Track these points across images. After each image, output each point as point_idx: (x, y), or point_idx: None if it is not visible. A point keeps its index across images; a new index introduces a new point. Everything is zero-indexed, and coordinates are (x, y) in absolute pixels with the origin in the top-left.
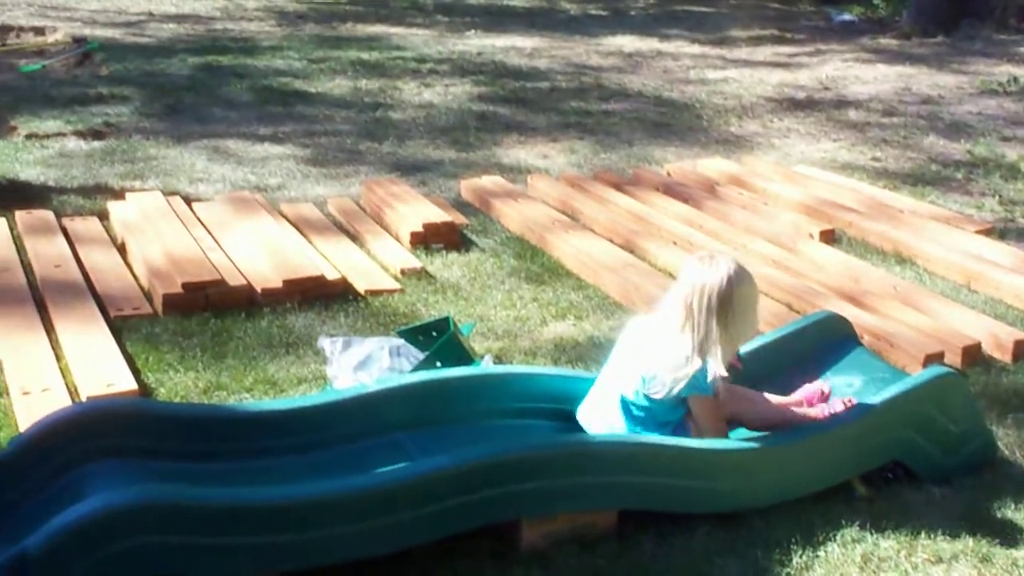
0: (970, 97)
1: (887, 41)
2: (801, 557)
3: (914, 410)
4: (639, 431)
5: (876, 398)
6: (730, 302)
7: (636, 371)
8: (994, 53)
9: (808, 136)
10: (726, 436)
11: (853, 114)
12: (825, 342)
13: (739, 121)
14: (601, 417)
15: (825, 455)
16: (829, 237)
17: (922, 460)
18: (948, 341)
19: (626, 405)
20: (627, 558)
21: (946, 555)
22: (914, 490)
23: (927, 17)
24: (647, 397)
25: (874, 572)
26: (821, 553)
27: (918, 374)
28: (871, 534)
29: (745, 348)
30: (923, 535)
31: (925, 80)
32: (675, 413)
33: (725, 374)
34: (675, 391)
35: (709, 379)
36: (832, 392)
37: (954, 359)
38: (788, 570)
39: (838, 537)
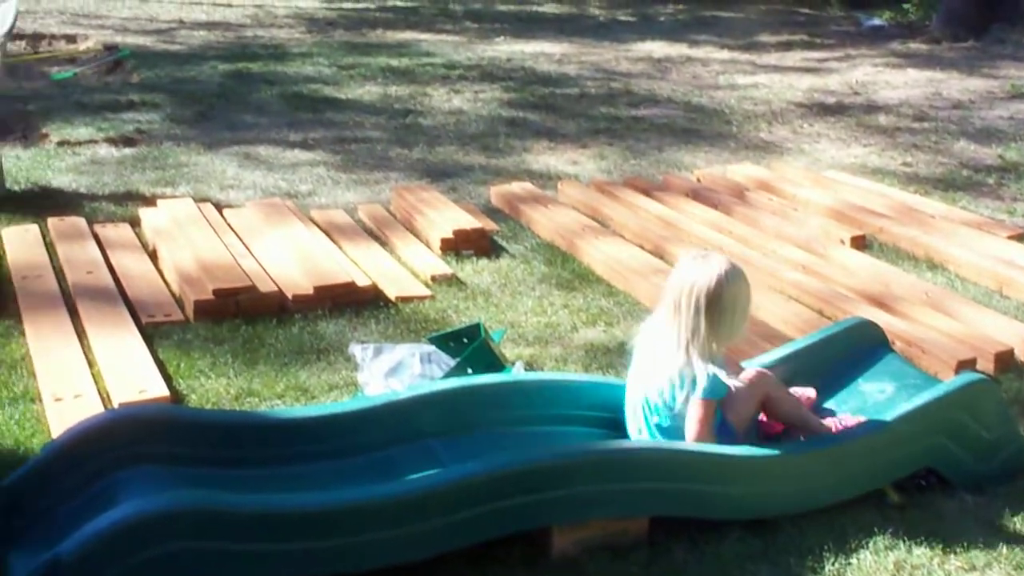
0: (1001, 101)
1: (917, 46)
2: (833, 564)
3: (947, 417)
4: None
5: (908, 405)
6: (719, 301)
7: (651, 381)
8: None
9: (838, 141)
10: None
11: (883, 119)
12: (856, 348)
13: (769, 126)
14: (636, 427)
15: (857, 462)
16: (860, 243)
17: (955, 467)
18: (980, 347)
19: (652, 414)
20: (658, 565)
21: (979, 563)
22: (947, 497)
23: (957, 21)
24: (669, 408)
25: None
26: (854, 560)
27: (950, 380)
28: (904, 541)
29: (776, 355)
30: (956, 543)
31: (955, 85)
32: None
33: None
34: (686, 397)
35: (722, 380)
36: (865, 399)
37: (986, 365)
38: None
39: (871, 544)
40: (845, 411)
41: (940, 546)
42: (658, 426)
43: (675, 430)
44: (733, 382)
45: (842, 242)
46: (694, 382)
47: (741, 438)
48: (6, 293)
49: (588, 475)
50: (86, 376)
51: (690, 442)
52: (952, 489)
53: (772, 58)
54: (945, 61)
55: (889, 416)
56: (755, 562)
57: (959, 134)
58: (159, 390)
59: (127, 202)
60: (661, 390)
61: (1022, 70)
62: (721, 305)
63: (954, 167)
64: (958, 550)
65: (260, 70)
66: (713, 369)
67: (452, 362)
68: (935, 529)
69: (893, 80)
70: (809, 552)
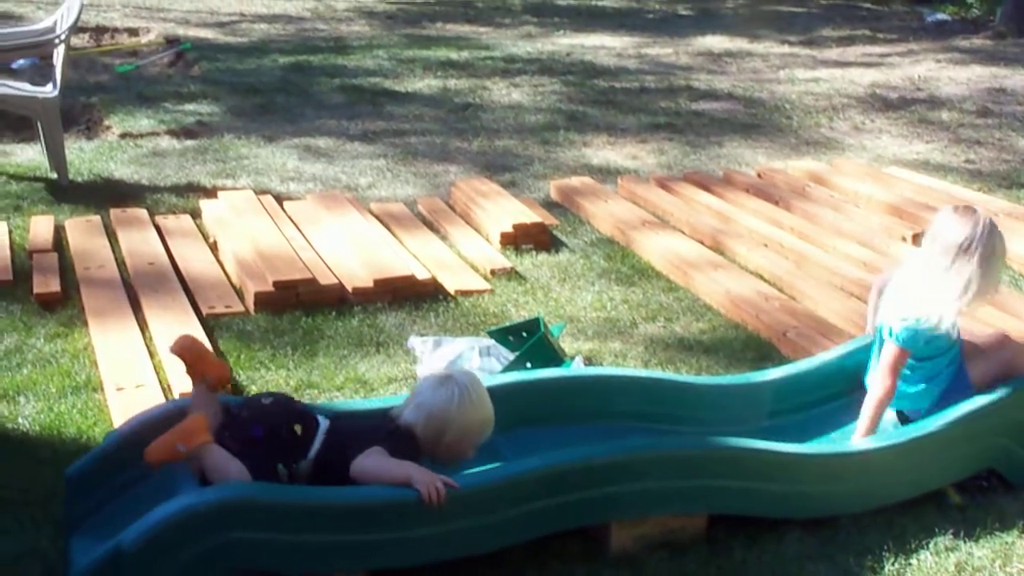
0: None
1: (980, 41)
2: (893, 564)
3: (1009, 418)
4: (907, 389)
5: (970, 405)
6: (993, 254)
7: (896, 318)
8: None
9: (900, 137)
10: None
11: (946, 115)
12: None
13: (829, 122)
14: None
15: (918, 461)
16: (922, 240)
17: (1017, 468)
18: None
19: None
20: (717, 563)
21: None
22: (1009, 498)
23: (1021, 16)
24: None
25: None
26: (914, 561)
27: (1013, 381)
28: (965, 542)
29: (837, 352)
30: (1018, 544)
31: (1020, 80)
32: (941, 364)
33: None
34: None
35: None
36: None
37: None
38: None
39: (931, 545)
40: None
41: (1002, 547)
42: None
43: (926, 379)
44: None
45: (904, 239)
46: (931, 331)
47: (973, 391)
48: (69, 283)
49: (648, 471)
50: (148, 366)
51: (878, 381)
52: (1014, 490)
53: (833, 53)
54: (1009, 56)
55: (951, 416)
56: (814, 561)
57: (1023, 131)
58: None
59: (188, 193)
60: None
61: None
62: (994, 259)
63: (1018, 164)
64: (1020, 551)
65: (321, 63)
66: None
67: (511, 356)
68: (997, 530)
69: (956, 76)
70: (868, 552)
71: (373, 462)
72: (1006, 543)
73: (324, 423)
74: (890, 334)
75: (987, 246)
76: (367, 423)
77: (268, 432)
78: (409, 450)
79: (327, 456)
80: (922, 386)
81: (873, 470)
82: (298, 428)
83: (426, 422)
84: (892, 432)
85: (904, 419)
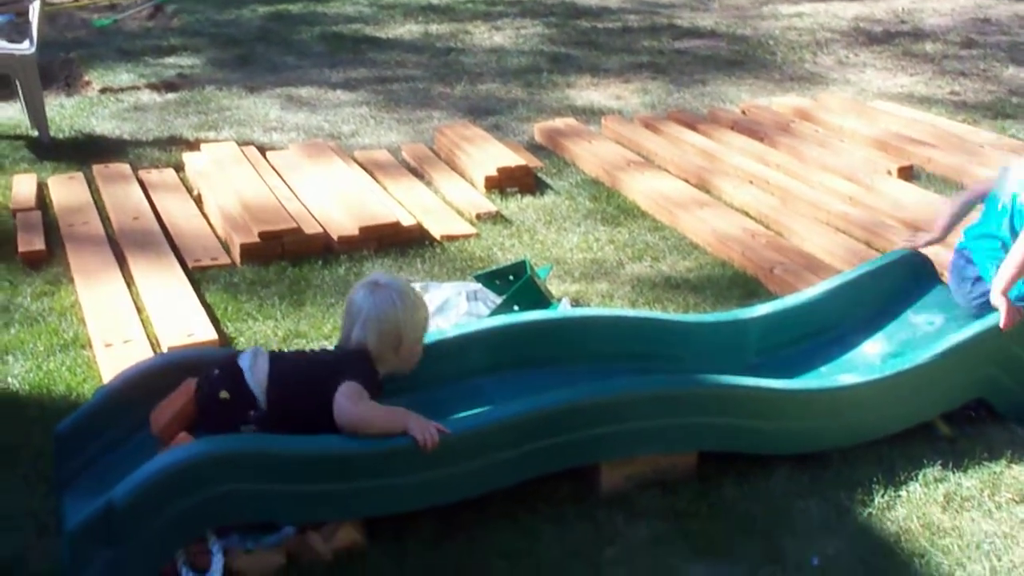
0: None
1: None
2: (883, 497)
3: (997, 348)
4: None
5: (958, 336)
6: None
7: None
8: None
9: (884, 71)
10: None
11: (930, 47)
12: (905, 280)
13: (814, 57)
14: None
15: (907, 394)
16: (907, 173)
17: (1005, 398)
18: None
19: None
20: (707, 500)
21: None
22: (997, 428)
23: None
24: None
25: (957, 511)
26: (903, 493)
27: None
28: (953, 473)
29: (824, 287)
30: (1006, 474)
31: (1004, 10)
32: None
33: None
34: None
35: None
36: (914, 330)
37: None
38: (870, 510)
39: (920, 477)
40: (895, 343)
41: (990, 477)
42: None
43: None
44: None
45: (889, 173)
46: None
47: None
48: (54, 241)
49: (637, 411)
50: (135, 321)
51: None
52: (1002, 420)
53: None
54: None
55: (939, 348)
56: (804, 497)
57: (1008, 61)
58: (207, 334)
59: (171, 147)
60: None
61: None
62: None
63: (1003, 95)
64: (1009, 481)
65: (300, 11)
66: None
67: (498, 299)
68: (985, 461)
69: (940, 7)
70: (859, 485)
71: (362, 410)
72: (994, 473)
73: (250, 361)
74: None
75: None
76: (310, 356)
77: (203, 408)
78: (375, 375)
79: (284, 401)
80: None
81: (861, 404)
82: (224, 394)
83: (379, 337)
84: (879, 366)
85: None
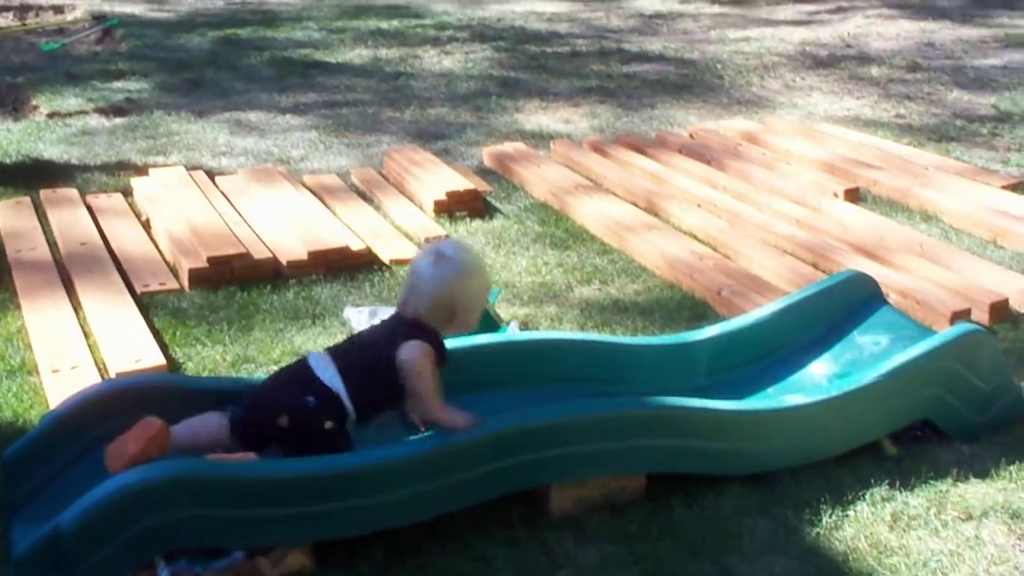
0: (994, 50)
1: None
2: (831, 516)
3: (942, 368)
4: None
5: (903, 357)
6: None
7: None
8: (1019, 5)
9: (831, 94)
10: None
11: (876, 71)
12: (851, 301)
13: (761, 81)
14: None
15: (853, 415)
16: (853, 196)
17: (951, 418)
18: (975, 298)
19: None
20: (657, 521)
21: (976, 512)
22: (943, 448)
23: None
24: None
25: (904, 530)
26: (851, 512)
27: (945, 331)
28: (900, 492)
29: (771, 308)
30: (952, 492)
31: (948, 35)
32: None
33: None
34: None
35: None
36: (860, 351)
37: (981, 316)
38: (818, 529)
39: (867, 496)
40: (841, 364)
41: (937, 496)
42: None
43: None
44: None
45: (835, 195)
46: None
47: None
48: (0, 266)
49: (585, 434)
50: (82, 347)
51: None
52: (948, 440)
53: (763, 12)
54: (937, 11)
55: (884, 368)
56: (753, 516)
57: (952, 84)
58: (155, 359)
59: (119, 172)
60: None
61: (1015, 19)
62: None
63: (947, 118)
64: (954, 499)
65: (249, 36)
66: None
67: None
68: (931, 479)
69: (885, 31)
70: (806, 504)
71: (424, 363)
72: (940, 491)
73: (330, 374)
74: None
75: None
76: (364, 339)
77: (301, 438)
78: (438, 335)
79: (363, 394)
80: None
81: (809, 425)
82: (329, 424)
83: (433, 308)
84: (826, 386)
85: None
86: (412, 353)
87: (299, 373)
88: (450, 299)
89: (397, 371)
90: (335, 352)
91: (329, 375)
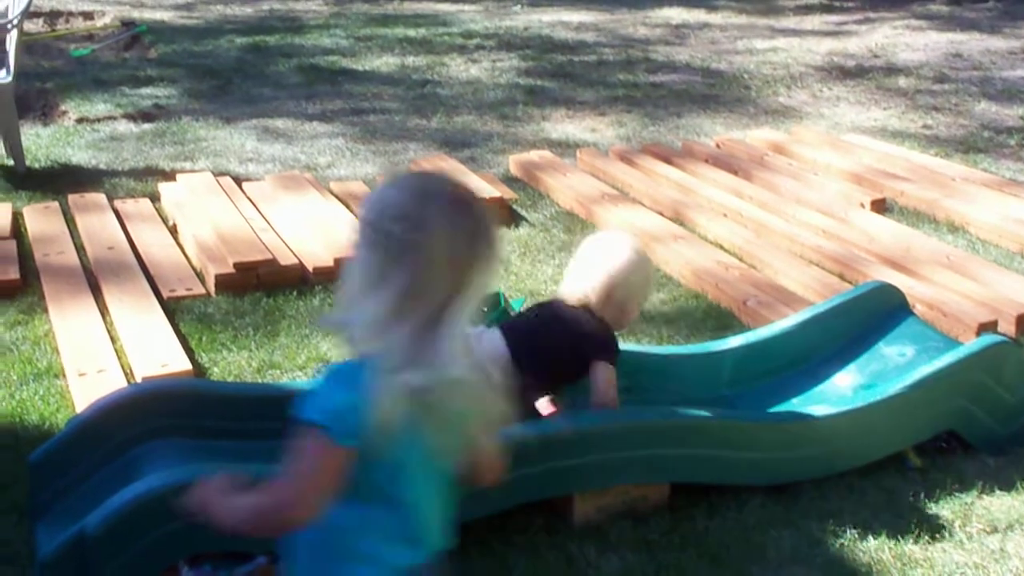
0: (1022, 62)
1: (938, 7)
2: (855, 528)
3: (968, 379)
4: None
5: (929, 368)
6: None
7: None
8: None
9: (858, 105)
10: None
11: (903, 82)
12: (877, 312)
13: (788, 91)
14: None
15: (878, 426)
16: (880, 206)
17: (976, 430)
18: (1001, 309)
19: None
20: (680, 531)
21: (1001, 525)
22: (969, 460)
23: None
24: None
25: (929, 542)
26: (875, 523)
27: (971, 343)
28: (925, 504)
29: (797, 319)
30: (977, 505)
31: (976, 46)
32: None
33: None
34: None
35: None
36: (885, 362)
37: (1008, 328)
38: (842, 540)
39: (892, 507)
40: (866, 375)
41: (962, 508)
42: None
43: None
44: None
45: (862, 206)
46: None
47: None
48: (28, 270)
49: (609, 442)
50: (109, 351)
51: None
52: (973, 451)
53: (791, 22)
54: (965, 22)
55: (910, 379)
56: (777, 527)
57: (980, 95)
58: (181, 364)
59: (147, 177)
60: None
61: None
62: None
63: (975, 129)
64: (980, 511)
65: (277, 43)
66: None
67: None
68: (956, 491)
69: (913, 42)
70: (831, 516)
71: (614, 398)
72: (965, 503)
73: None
74: None
75: None
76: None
77: None
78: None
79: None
80: None
81: (833, 436)
82: None
83: (604, 297)
84: (851, 397)
85: None
86: (606, 386)
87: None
88: (624, 290)
89: (577, 361)
90: (504, 327)
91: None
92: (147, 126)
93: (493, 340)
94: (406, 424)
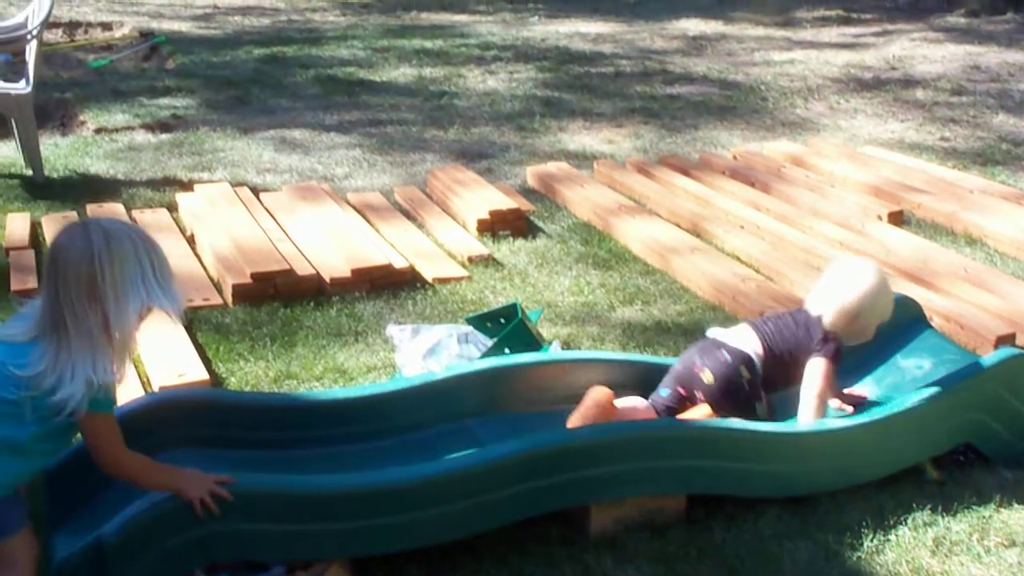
0: None
1: (955, 19)
2: (872, 540)
3: (985, 392)
4: None
5: (947, 381)
6: None
7: None
8: None
9: (875, 117)
10: None
11: (921, 94)
12: (894, 325)
13: (805, 103)
14: None
15: (895, 438)
16: (897, 219)
17: (994, 443)
18: (1019, 322)
19: None
20: (696, 542)
21: (1019, 538)
22: (986, 473)
23: None
24: None
25: (946, 556)
26: (892, 536)
27: (989, 356)
28: (943, 517)
29: None
30: (995, 518)
31: (994, 58)
32: None
33: None
34: None
35: None
36: (903, 374)
37: None
38: (859, 553)
39: (909, 520)
40: (883, 387)
41: (979, 522)
42: None
43: None
44: None
45: (880, 218)
46: None
47: None
48: None
49: (626, 453)
50: None
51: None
52: (991, 465)
53: (808, 34)
54: (983, 34)
55: (927, 392)
56: (793, 539)
57: (998, 108)
58: (198, 374)
59: (164, 187)
60: None
61: None
62: None
63: (993, 141)
64: (997, 525)
65: (295, 54)
66: None
67: (489, 342)
68: (974, 505)
69: (931, 54)
70: (848, 529)
71: (825, 390)
72: (983, 517)
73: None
74: None
75: None
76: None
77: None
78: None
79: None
80: None
81: (850, 448)
82: (706, 376)
83: (839, 318)
84: (869, 409)
85: None
86: (820, 374)
87: (705, 346)
88: (857, 311)
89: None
90: (754, 324)
91: (741, 340)
92: (165, 136)
93: (741, 337)
94: None
